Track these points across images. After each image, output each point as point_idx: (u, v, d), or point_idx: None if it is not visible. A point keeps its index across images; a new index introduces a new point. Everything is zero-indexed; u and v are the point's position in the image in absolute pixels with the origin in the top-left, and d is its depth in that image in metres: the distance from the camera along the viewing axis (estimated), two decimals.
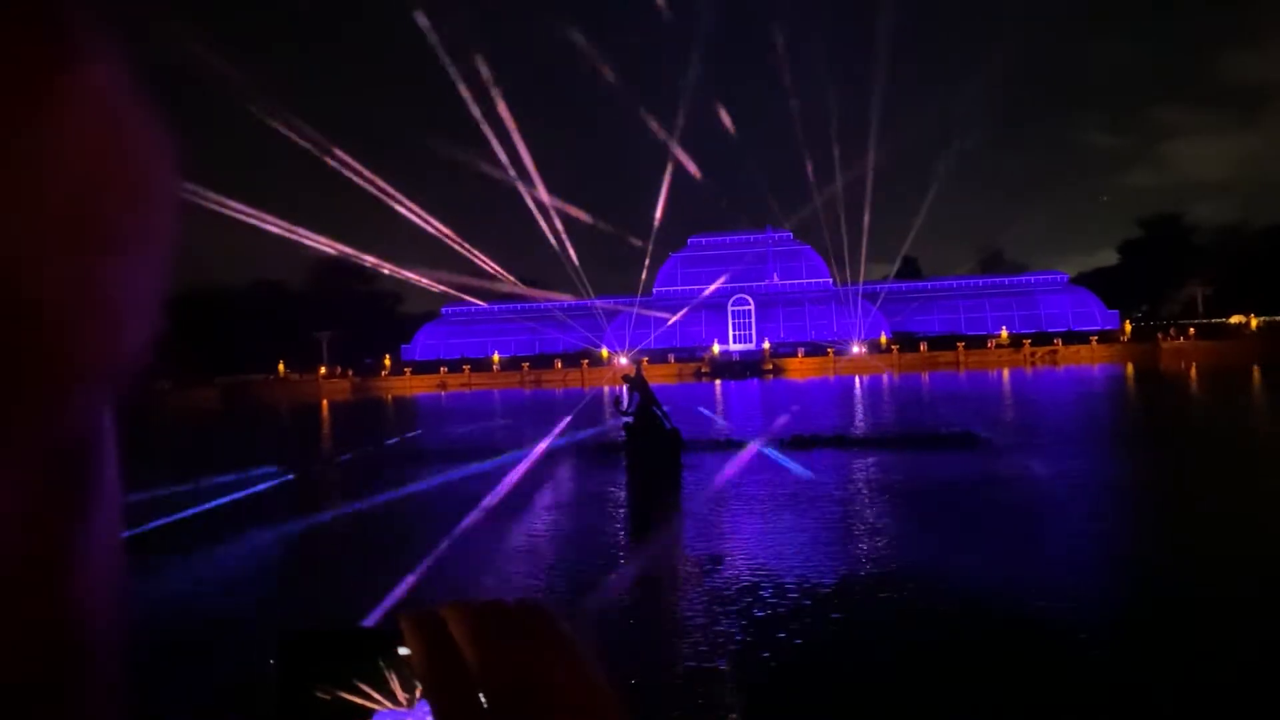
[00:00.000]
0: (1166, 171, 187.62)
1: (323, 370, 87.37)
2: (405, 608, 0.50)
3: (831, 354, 78.05)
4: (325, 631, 0.50)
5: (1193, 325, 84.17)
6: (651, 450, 19.76)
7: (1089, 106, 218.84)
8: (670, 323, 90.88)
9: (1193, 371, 55.95)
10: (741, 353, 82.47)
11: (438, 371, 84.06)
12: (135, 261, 0.37)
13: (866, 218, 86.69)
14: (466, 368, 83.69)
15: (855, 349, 79.59)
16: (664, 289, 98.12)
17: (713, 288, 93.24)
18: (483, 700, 0.47)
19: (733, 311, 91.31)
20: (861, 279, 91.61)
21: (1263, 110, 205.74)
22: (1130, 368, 62.62)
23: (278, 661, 0.50)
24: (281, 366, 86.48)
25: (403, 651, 0.50)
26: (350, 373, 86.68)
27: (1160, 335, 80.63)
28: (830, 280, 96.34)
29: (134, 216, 0.36)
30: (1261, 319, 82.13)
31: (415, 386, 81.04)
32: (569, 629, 0.52)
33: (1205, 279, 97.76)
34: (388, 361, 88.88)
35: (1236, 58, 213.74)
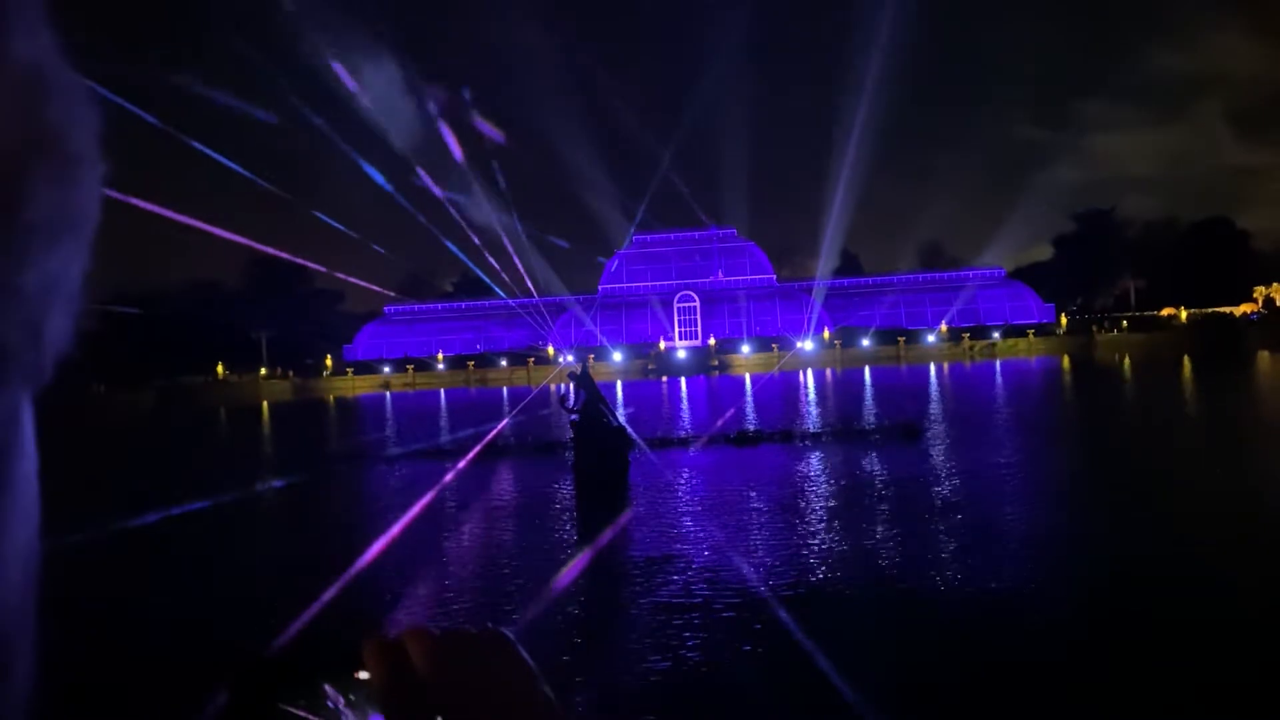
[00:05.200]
0: (1095, 166, 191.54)
1: (263, 371, 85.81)
2: (366, 635, 0.49)
3: (776, 349, 78.59)
4: (283, 655, 0.50)
5: (1125, 318, 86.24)
6: (597, 448, 19.68)
7: (1015, 100, 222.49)
8: (616, 320, 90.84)
9: (1125, 363, 57.34)
10: (688, 349, 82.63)
11: (381, 371, 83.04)
12: (57, 243, 0.35)
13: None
14: (410, 367, 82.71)
15: (799, 344, 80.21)
16: (610, 286, 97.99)
17: (656, 285, 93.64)
18: None
19: (678, 308, 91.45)
20: (806, 275, 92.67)
21: (1187, 105, 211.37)
22: (1066, 360, 64.00)
23: (235, 687, 0.50)
24: (220, 368, 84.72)
25: (362, 676, 0.50)
26: (291, 373, 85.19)
27: (1095, 328, 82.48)
28: (774, 276, 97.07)
29: (57, 194, 0.35)
30: (1191, 311, 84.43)
31: (358, 387, 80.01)
32: (529, 658, 0.51)
33: (1137, 273, 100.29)
34: (329, 362, 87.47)
35: (1160, 52, 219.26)
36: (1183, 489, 14.71)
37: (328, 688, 0.50)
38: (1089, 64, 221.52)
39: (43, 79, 0.35)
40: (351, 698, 0.50)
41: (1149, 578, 9.57)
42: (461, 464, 21.69)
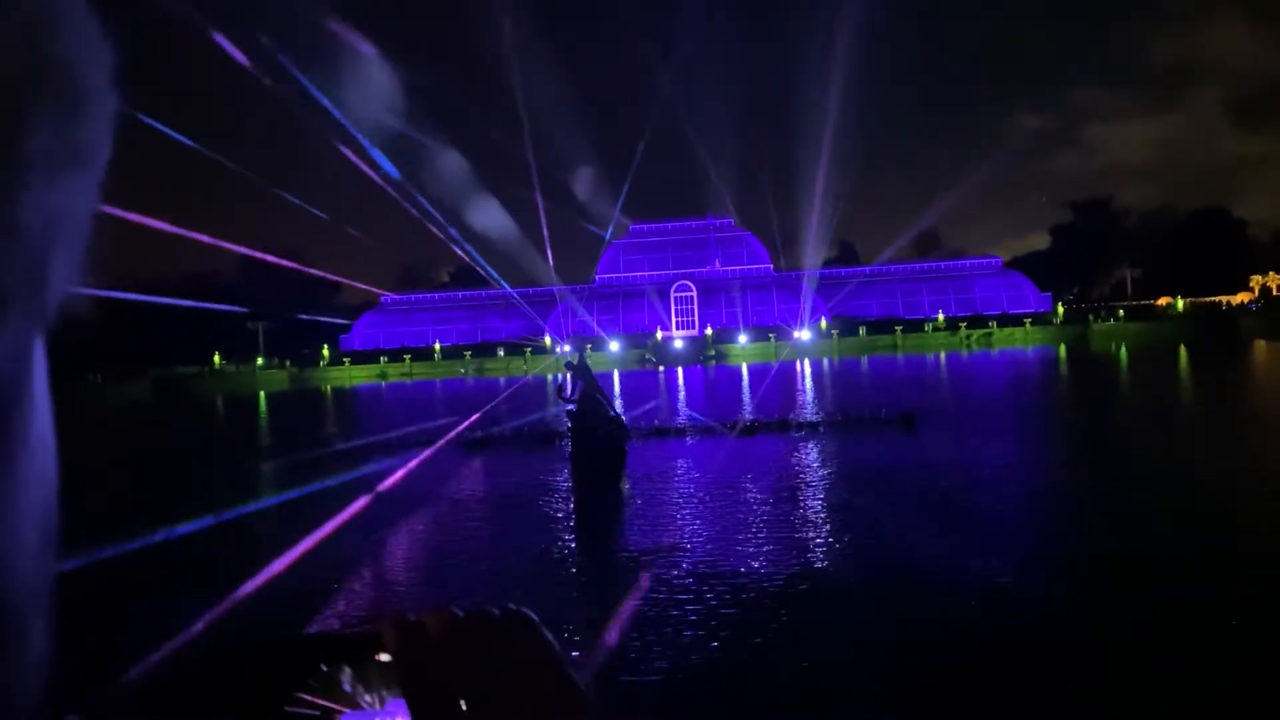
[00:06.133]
0: (1091, 155, 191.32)
1: (260, 361, 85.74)
2: (386, 615, 0.49)
3: (773, 339, 78.61)
4: (304, 637, 0.49)
5: (1122, 307, 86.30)
6: (594, 437, 19.72)
7: (1012, 90, 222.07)
8: (613, 310, 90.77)
9: (1122, 353, 57.38)
10: (685, 339, 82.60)
11: (378, 361, 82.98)
12: (62, 178, 0.34)
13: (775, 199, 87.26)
14: (407, 357, 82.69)
15: (796, 334, 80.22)
16: (606, 276, 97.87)
17: (653, 275, 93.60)
18: (463, 707, 0.45)
19: (675, 298, 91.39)
20: (803, 265, 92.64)
21: (1184, 94, 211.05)
22: (1062, 350, 64.06)
23: (255, 666, 0.49)
24: (217, 358, 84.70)
25: (383, 658, 0.49)
26: (288, 363, 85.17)
27: (1091, 317, 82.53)
28: (771, 266, 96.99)
29: (67, 130, 0.33)
30: (1187, 300, 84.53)
31: (355, 377, 79.97)
32: (552, 638, 0.51)
33: (1134, 262, 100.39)
34: (326, 352, 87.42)
35: (1157, 40, 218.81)
36: (1173, 479, 14.75)
37: (348, 666, 0.49)
38: (1086, 53, 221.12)
39: (51, 10, 0.33)
40: (372, 680, 0.49)
41: (1129, 563, 9.60)
42: (457, 454, 21.70)
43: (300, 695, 0.48)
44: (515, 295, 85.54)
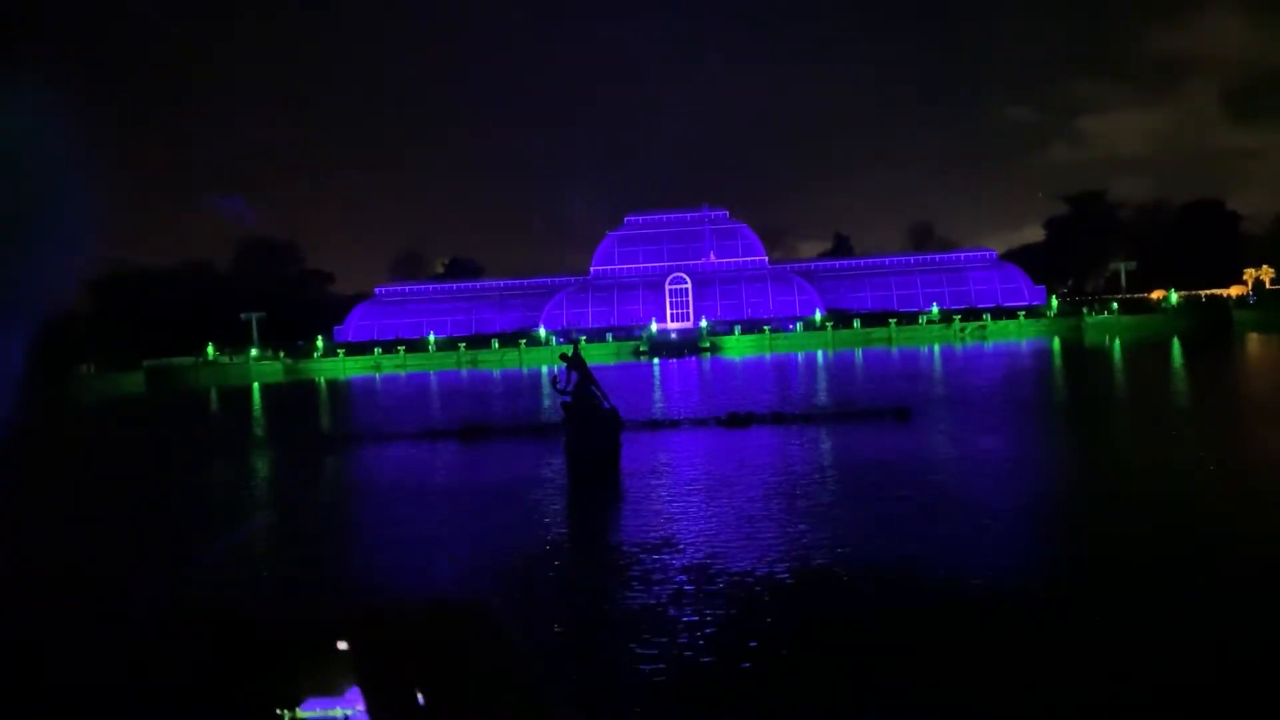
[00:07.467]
0: (1085, 147, 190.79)
1: (254, 353, 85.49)
2: (347, 603, 0.48)
3: (767, 331, 78.63)
4: (262, 621, 0.48)
5: (1116, 300, 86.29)
6: (589, 429, 19.70)
7: (1005, 82, 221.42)
8: (608, 302, 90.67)
9: (1115, 346, 57.44)
10: (679, 331, 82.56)
11: (372, 353, 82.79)
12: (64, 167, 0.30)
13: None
14: (401, 349, 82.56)
15: (791, 326, 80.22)
16: (601, 268, 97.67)
17: (648, 266, 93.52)
18: (419, 697, 0.44)
19: (670, 290, 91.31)
20: (798, 257, 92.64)
21: (1176, 86, 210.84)
22: (1056, 343, 64.15)
23: (213, 649, 0.48)
24: (211, 348, 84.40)
25: (341, 646, 0.47)
26: (282, 354, 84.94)
27: (1085, 310, 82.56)
28: (766, 258, 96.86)
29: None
30: (1181, 293, 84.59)
31: (349, 369, 79.83)
32: (510, 628, 0.50)
33: (1128, 255, 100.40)
34: (320, 343, 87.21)
35: (1153, 31, 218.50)
36: (1159, 470, 14.80)
37: (306, 652, 0.48)
38: (1080, 44, 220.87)
39: None
40: (330, 668, 0.47)
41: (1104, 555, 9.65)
42: (455, 445, 21.72)
43: (258, 680, 0.47)
44: (507, 286, 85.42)
